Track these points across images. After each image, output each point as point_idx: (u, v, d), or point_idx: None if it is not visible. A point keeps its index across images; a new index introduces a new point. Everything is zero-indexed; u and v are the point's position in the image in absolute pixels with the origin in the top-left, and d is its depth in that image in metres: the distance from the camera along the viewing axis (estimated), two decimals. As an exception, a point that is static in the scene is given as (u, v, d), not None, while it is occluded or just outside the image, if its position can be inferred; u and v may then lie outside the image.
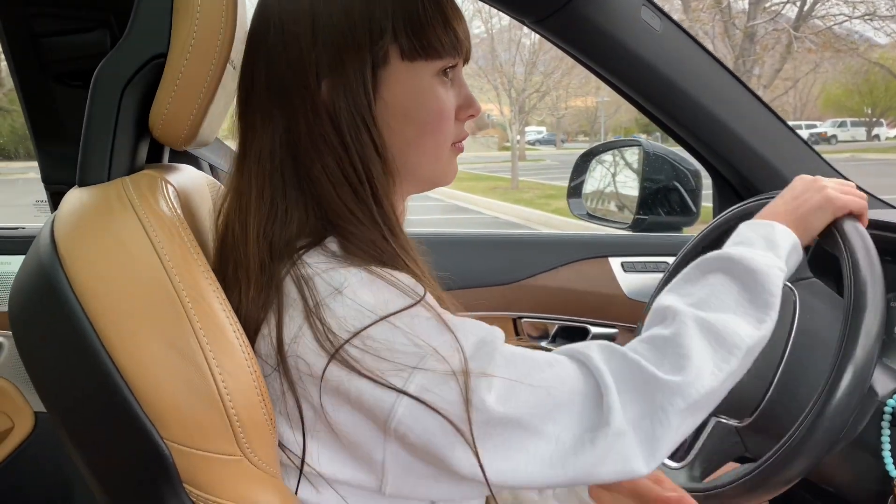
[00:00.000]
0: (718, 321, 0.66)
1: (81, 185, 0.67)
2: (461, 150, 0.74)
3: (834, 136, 22.85)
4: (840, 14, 11.31)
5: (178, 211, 0.62)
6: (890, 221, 1.04)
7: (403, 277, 0.61)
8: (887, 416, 0.82)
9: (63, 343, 0.56)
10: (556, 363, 0.62)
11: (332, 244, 0.63)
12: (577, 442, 0.59)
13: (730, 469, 0.88)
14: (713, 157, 1.28)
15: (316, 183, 0.64)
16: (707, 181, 1.44)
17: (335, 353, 0.56)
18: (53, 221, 0.62)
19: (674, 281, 0.75)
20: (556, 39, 1.18)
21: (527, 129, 29.15)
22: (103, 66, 0.67)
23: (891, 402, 0.82)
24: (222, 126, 0.85)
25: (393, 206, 0.66)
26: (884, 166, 14.53)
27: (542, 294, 1.37)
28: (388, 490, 0.60)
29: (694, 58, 1.19)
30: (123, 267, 0.57)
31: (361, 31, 0.63)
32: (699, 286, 0.72)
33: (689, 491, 0.87)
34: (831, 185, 0.85)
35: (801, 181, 0.86)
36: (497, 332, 0.63)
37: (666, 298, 0.71)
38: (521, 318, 1.38)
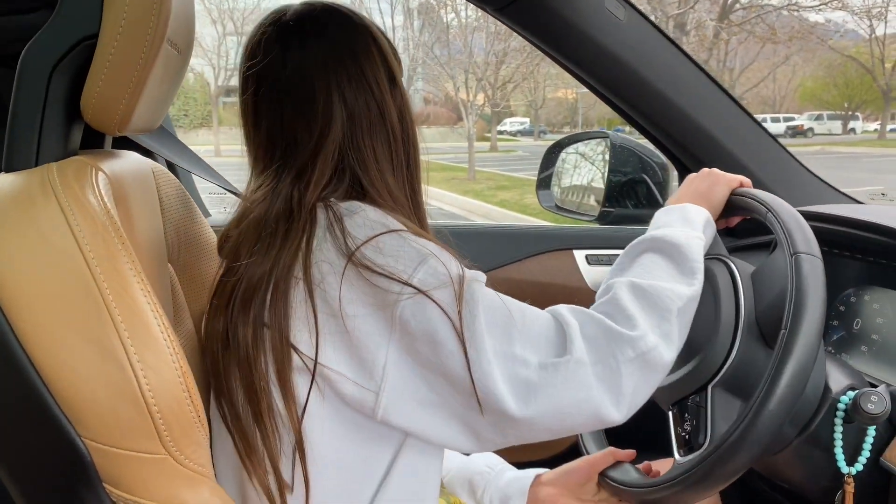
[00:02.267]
0: (650, 286, 0.75)
1: (8, 170, 0.64)
2: None
3: (810, 129, 22.90)
4: (767, 3, 11.40)
5: (106, 200, 0.60)
6: (850, 217, 1.04)
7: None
8: (840, 413, 0.82)
9: None
10: (528, 306, 0.72)
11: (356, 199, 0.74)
12: (542, 366, 0.67)
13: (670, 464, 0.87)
14: (678, 150, 1.27)
15: (362, 165, 0.75)
16: (675, 173, 1.43)
17: (353, 253, 0.66)
18: None
19: (611, 269, 0.85)
20: (519, 28, 1.16)
21: (509, 119, 29.06)
22: (30, 47, 0.64)
23: (844, 398, 0.82)
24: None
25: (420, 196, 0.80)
26: (846, 160, 14.70)
27: (506, 286, 1.35)
28: (381, 408, 0.67)
29: (658, 48, 1.17)
30: (42, 258, 0.54)
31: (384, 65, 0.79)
32: (633, 266, 0.81)
33: (634, 488, 0.86)
34: (716, 169, 0.97)
35: (692, 175, 0.97)
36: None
37: (606, 280, 0.81)
38: None
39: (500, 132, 26.77)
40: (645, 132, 1.28)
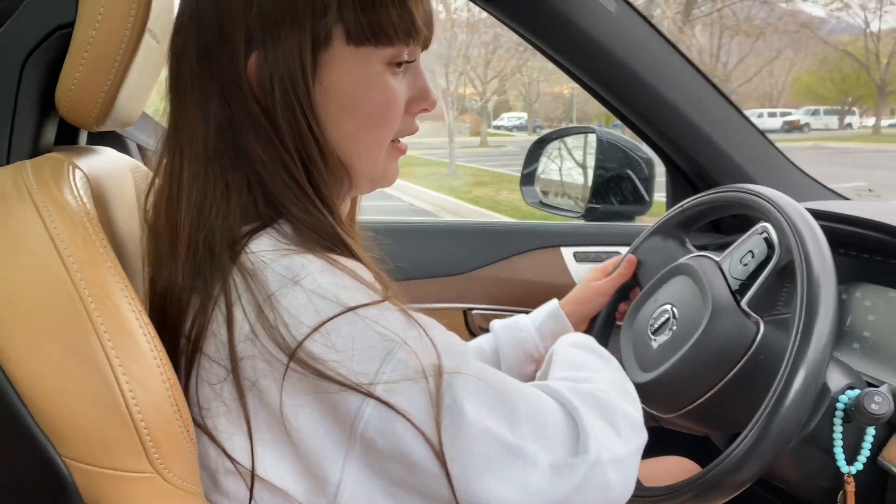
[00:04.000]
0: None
1: None
2: (403, 151, 0.67)
3: (807, 125, 22.88)
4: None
5: (85, 200, 0.56)
6: (841, 213, 1.03)
7: (363, 271, 0.55)
8: (839, 413, 0.81)
9: None
10: (525, 386, 0.59)
11: (284, 227, 0.56)
12: (554, 467, 0.56)
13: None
14: (667, 145, 1.26)
15: (256, 163, 0.57)
16: (661, 169, 1.42)
17: (294, 352, 0.50)
18: None
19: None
20: (506, 19, 1.13)
21: (507, 114, 29.09)
22: (0, 37, 0.60)
23: (843, 398, 0.81)
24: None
25: (332, 200, 0.60)
26: (837, 155, 14.83)
27: (493, 285, 1.34)
28: None
29: (649, 42, 1.16)
30: (16, 262, 0.50)
31: (303, 3, 0.56)
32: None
33: (633, 497, 0.84)
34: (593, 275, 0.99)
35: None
36: (465, 344, 0.60)
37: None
38: (471, 309, 1.34)
39: (498, 127, 26.76)
40: (633, 126, 1.26)
